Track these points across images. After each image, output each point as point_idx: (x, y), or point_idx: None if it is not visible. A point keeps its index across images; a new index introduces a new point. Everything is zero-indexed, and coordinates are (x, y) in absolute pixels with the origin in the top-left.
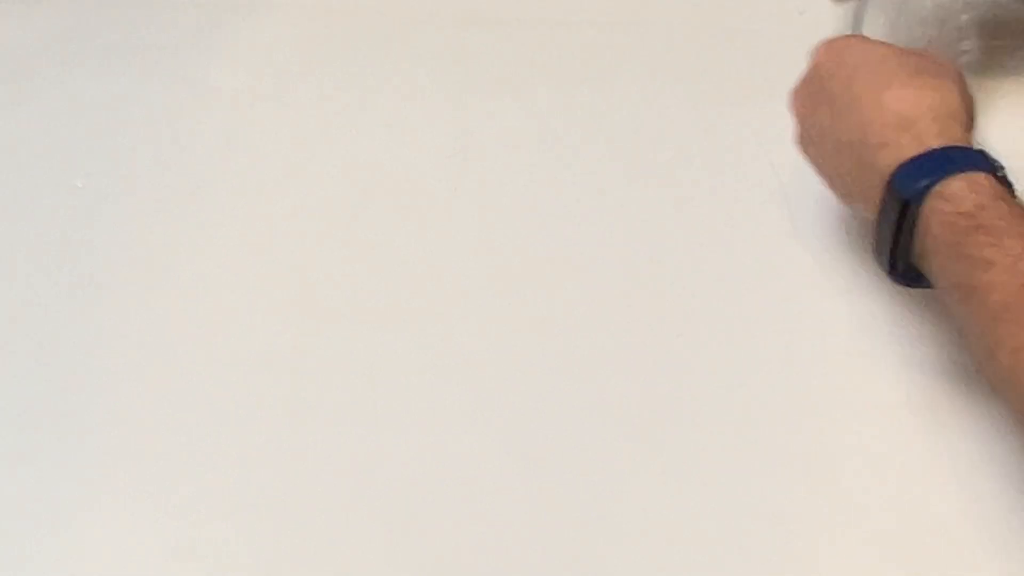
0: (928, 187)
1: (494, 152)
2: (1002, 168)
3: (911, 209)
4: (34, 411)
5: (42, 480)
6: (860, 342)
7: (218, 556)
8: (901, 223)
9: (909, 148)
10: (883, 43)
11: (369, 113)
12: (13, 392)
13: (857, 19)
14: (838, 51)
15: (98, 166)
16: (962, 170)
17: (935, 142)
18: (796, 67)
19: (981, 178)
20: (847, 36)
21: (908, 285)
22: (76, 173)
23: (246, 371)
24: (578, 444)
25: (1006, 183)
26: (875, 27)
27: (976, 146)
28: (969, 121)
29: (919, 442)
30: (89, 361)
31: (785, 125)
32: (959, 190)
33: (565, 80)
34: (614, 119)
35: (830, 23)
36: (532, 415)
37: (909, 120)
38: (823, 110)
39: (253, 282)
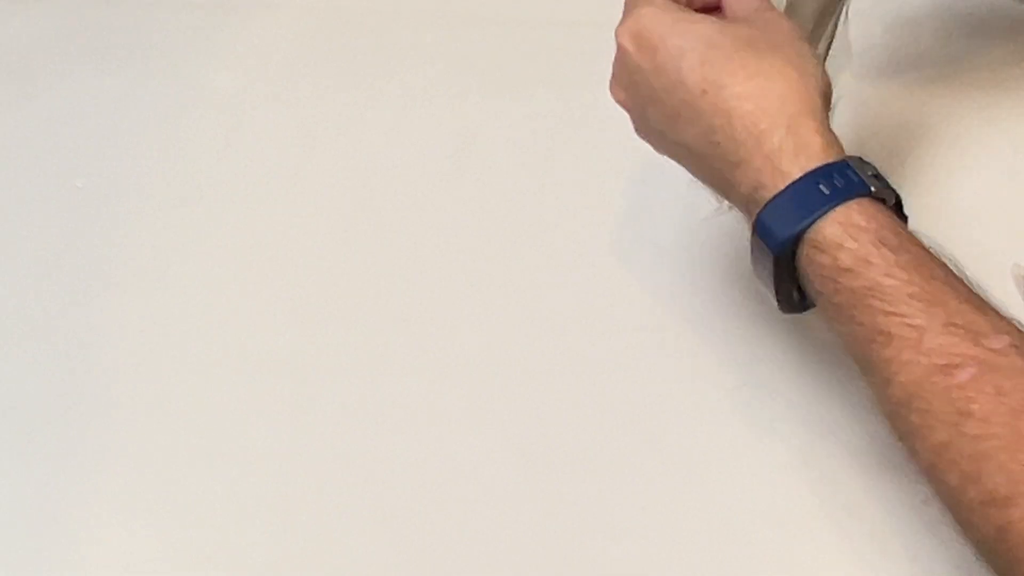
0: (798, 235)
1: (493, 152)
2: (874, 172)
3: (784, 258)
4: (34, 411)
5: (42, 480)
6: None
7: (218, 556)
8: (778, 269)
9: (766, 176)
10: (694, 14)
11: (369, 113)
12: (13, 392)
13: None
14: (642, 31)
15: (98, 166)
16: (832, 204)
17: (793, 166)
18: None
19: (854, 212)
20: (647, 4)
21: (801, 311)
22: (76, 173)
23: (246, 371)
24: (579, 444)
25: (888, 196)
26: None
27: (836, 149)
28: (824, 103)
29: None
30: (89, 361)
31: None
32: (833, 237)
33: (565, 80)
34: (614, 119)
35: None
36: (532, 413)
37: (760, 130)
38: (652, 110)
39: (253, 281)
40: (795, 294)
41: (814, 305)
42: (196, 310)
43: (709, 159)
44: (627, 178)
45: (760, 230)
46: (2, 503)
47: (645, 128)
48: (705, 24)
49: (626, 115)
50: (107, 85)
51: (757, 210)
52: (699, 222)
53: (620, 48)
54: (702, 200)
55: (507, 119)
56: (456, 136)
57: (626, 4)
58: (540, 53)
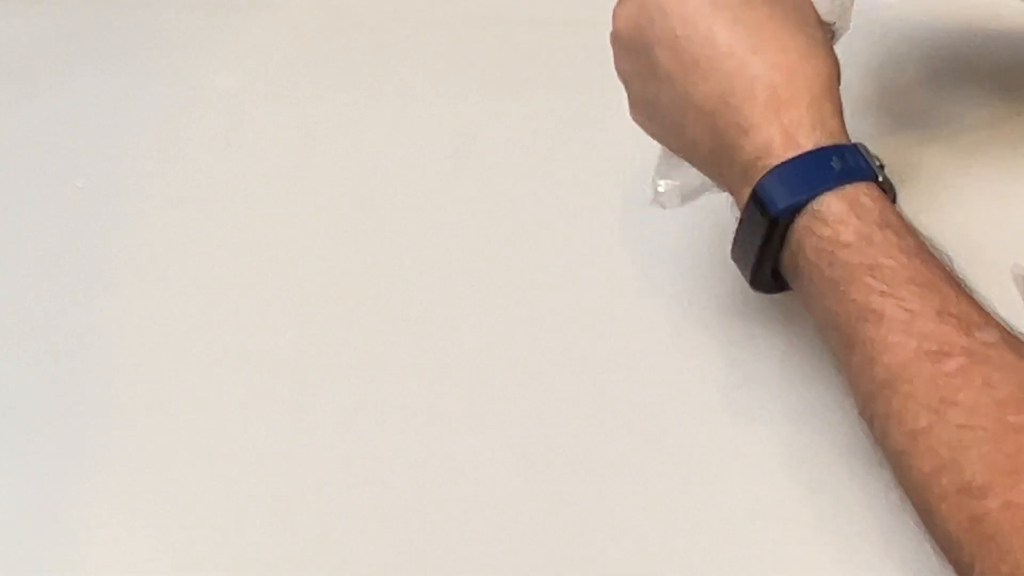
0: (802, 204)
1: (493, 152)
2: (882, 167)
3: (780, 225)
4: (34, 411)
5: (42, 480)
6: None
7: (218, 556)
8: (769, 238)
9: (778, 145)
10: None
11: (368, 113)
12: (13, 392)
13: None
14: None
15: (98, 166)
16: (841, 182)
17: (808, 140)
18: None
19: (862, 193)
20: None
21: (772, 292)
22: (76, 173)
23: (246, 371)
24: (579, 444)
25: (888, 188)
26: None
27: (850, 138)
28: (838, 92)
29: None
30: (89, 361)
31: None
32: (839, 211)
33: (565, 80)
34: (614, 119)
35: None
36: (532, 413)
37: (782, 101)
38: (665, 54)
39: (253, 282)
40: (770, 272)
41: (788, 286)
42: (196, 310)
43: (715, 118)
44: (627, 178)
45: (762, 194)
46: (2, 503)
47: (639, 68)
48: None
49: (618, 115)
50: (107, 85)
51: (758, 176)
52: (699, 220)
53: None
54: (701, 200)
55: (507, 119)
56: (456, 136)
57: None
58: (540, 53)
